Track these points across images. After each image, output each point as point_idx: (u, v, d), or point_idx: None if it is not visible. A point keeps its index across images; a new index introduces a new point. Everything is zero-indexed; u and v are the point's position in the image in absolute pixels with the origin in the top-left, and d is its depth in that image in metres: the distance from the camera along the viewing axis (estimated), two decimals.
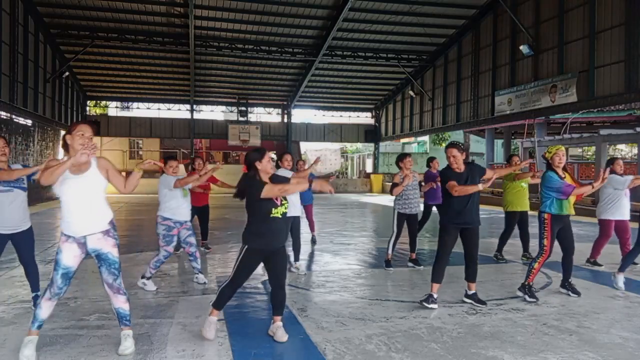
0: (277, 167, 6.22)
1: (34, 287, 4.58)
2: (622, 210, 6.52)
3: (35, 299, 4.54)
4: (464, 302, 4.87)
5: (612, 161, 6.66)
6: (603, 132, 17.03)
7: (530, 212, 7.16)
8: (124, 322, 3.62)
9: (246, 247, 3.83)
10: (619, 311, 4.74)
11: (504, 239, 7.33)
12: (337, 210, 16.93)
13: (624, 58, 13.15)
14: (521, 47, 16.48)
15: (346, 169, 41.04)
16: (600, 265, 6.79)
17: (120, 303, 3.59)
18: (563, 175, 5.12)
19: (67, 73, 21.68)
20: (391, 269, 6.60)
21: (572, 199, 5.15)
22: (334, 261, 7.31)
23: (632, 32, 12.87)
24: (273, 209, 3.79)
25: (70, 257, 3.44)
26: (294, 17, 19.13)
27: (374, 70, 24.78)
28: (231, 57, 22.30)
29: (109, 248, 3.51)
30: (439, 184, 7.89)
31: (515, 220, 7.23)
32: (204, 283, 5.67)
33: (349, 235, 10.22)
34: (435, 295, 4.76)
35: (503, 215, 7.53)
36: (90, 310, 4.59)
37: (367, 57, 22.29)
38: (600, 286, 5.69)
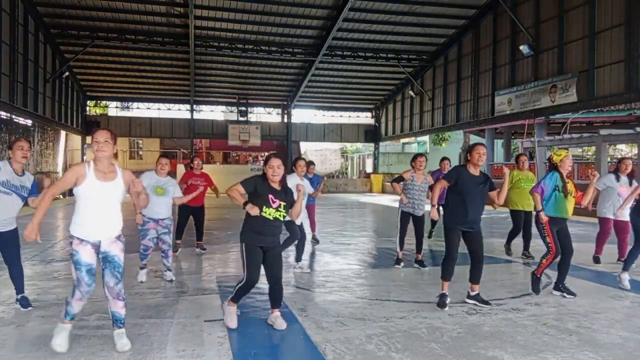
0: (291, 171, 6.21)
1: (19, 289, 4.60)
2: (614, 210, 6.56)
3: (22, 300, 4.57)
4: (465, 302, 4.87)
5: (619, 160, 6.80)
6: (603, 132, 17.02)
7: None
8: (118, 324, 3.66)
9: (243, 244, 4.06)
10: (619, 311, 4.74)
11: (510, 235, 7.50)
12: (337, 210, 16.93)
13: (624, 58, 13.15)
14: (521, 47, 16.48)
15: (346, 169, 41.05)
16: (599, 262, 6.83)
17: (118, 308, 3.63)
18: (567, 181, 5.17)
19: (67, 73, 21.68)
20: (400, 265, 6.68)
21: (572, 201, 5.17)
22: (334, 261, 7.31)
23: (632, 32, 12.88)
24: (265, 207, 4.00)
25: (87, 255, 3.51)
26: (294, 17, 19.13)
27: (374, 70, 24.78)
28: (231, 57, 22.31)
29: (117, 251, 3.60)
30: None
31: (518, 218, 7.31)
32: (171, 280, 5.76)
33: (349, 235, 10.22)
34: (447, 293, 4.79)
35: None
36: (90, 310, 4.58)
37: (367, 57, 22.29)
38: (600, 286, 5.69)
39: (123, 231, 3.70)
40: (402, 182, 6.70)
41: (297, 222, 6.17)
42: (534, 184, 7.20)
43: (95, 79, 25.43)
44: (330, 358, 3.49)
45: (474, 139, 32.37)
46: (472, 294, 4.89)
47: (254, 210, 3.96)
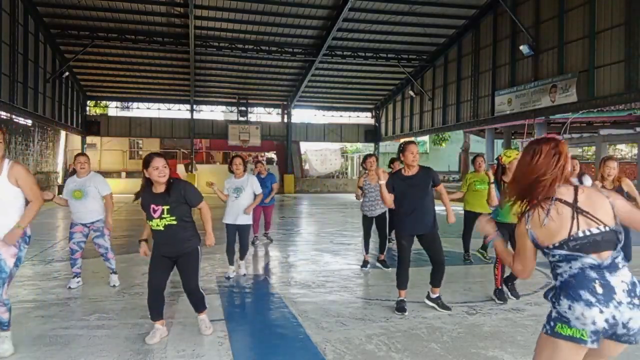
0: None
1: None
2: None
3: None
4: (468, 301, 4.85)
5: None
6: (603, 132, 17.05)
7: None
8: (2, 327, 3.52)
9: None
10: None
11: (464, 238, 7.26)
12: (337, 210, 16.93)
13: (624, 58, 13.14)
14: (521, 47, 16.47)
15: (346, 169, 41.04)
16: None
17: (1, 313, 3.46)
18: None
19: (67, 73, 21.67)
20: (366, 268, 6.63)
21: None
22: (334, 261, 7.31)
23: (632, 32, 12.87)
24: (149, 221, 3.75)
25: None
26: (294, 17, 19.12)
27: (374, 70, 24.77)
28: (231, 57, 22.29)
29: (6, 256, 3.35)
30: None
31: (469, 220, 7.10)
32: (114, 286, 5.57)
33: (349, 235, 10.21)
34: (404, 299, 4.66)
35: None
36: (90, 310, 4.59)
37: (367, 57, 22.28)
38: None
39: (23, 234, 3.46)
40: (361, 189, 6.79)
41: (237, 222, 5.99)
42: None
43: (95, 79, 25.42)
44: (330, 358, 3.49)
45: (474, 139, 32.42)
46: (433, 296, 4.74)
47: (141, 251, 3.88)
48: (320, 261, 7.32)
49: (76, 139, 27.55)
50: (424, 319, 4.40)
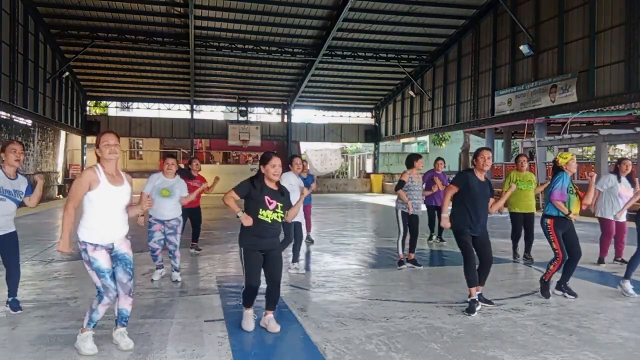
0: (288, 169, 6.21)
1: (12, 291, 4.54)
2: (615, 211, 6.53)
3: (13, 303, 4.50)
4: (465, 301, 4.86)
5: (619, 161, 6.80)
6: (603, 132, 17.02)
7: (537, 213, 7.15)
8: (122, 322, 3.68)
9: (242, 248, 4.03)
10: (619, 311, 4.73)
11: (512, 239, 7.40)
12: (337, 210, 16.93)
13: (624, 58, 13.15)
14: (521, 47, 16.48)
15: (346, 169, 41.02)
16: (603, 263, 6.84)
17: (127, 305, 3.67)
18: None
19: (67, 73, 21.67)
20: (404, 266, 6.63)
21: (578, 203, 5.15)
22: (334, 261, 7.31)
23: (632, 32, 12.87)
24: (261, 209, 3.95)
25: (105, 260, 3.55)
26: (294, 17, 19.13)
27: (374, 70, 24.78)
28: (231, 57, 22.30)
29: (127, 249, 3.67)
30: (439, 186, 7.96)
31: (517, 221, 7.23)
32: (176, 281, 5.76)
33: (349, 235, 10.21)
34: (476, 298, 4.66)
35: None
36: None
37: (367, 57, 22.28)
38: (601, 286, 5.69)
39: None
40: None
41: (298, 219, 6.22)
42: (534, 186, 7.20)
43: (95, 79, 25.42)
44: (330, 358, 3.49)
45: (474, 139, 32.40)
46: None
47: (247, 221, 3.92)
48: (320, 261, 7.32)
49: (76, 139, 27.55)
50: (424, 319, 4.40)
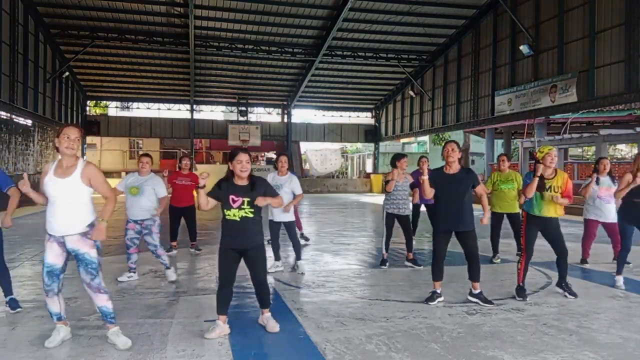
0: (275, 168, 6.26)
1: (8, 290, 4.54)
2: (599, 212, 6.54)
3: (11, 302, 4.51)
4: (468, 301, 4.87)
5: (597, 161, 6.85)
6: (603, 132, 17.03)
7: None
8: (109, 320, 3.68)
9: (219, 246, 4.01)
10: (619, 311, 4.73)
11: (492, 240, 7.33)
12: (337, 210, 16.93)
13: (624, 58, 13.15)
14: (521, 47, 16.48)
15: (346, 169, 41.02)
16: (587, 263, 6.82)
17: (103, 301, 3.65)
18: (552, 175, 5.07)
19: (67, 73, 21.67)
20: (384, 267, 6.67)
21: (553, 201, 5.00)
22: (334, 261, 7.31)
23: (632, 32, 12.87)
24: (226, 210, 3.90)
25: (53, 254, 3.57)
26: (294, 17, 19.13)
27: (374, 70, 24.78)
28: (231, 57, 22.30)
29: (87, 249, 3.59)
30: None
31: (496, 221, 7.16)
32: (174, 280, 5.73)
33: (349, 235, 10.21)
34: (438, 291, 4.89)
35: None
36: (90, 310, 4.58)
37: (367, 57, 22.29)
38: (600, 286, 5.69)
39: (90, 227, 3.62)
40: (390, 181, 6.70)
41: (283, 219, 6.19)
42: (515, 185, 7.16)
43: (95, 79, 25.42)
44: (330, 358, 3.49)
45: (474, 139, 32.41)
46: (474, 292, 4.90)
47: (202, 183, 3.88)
48: (320, 261, 7.32)
49: None
50: (424, 319, 4.40)
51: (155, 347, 3.67)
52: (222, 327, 3.91)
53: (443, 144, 5.02)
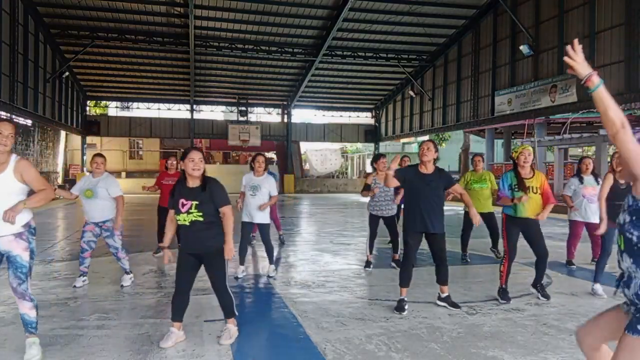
0: (251, 168, 6.12)
1: None
2: (583, 213, 6.46)
3: None
4: (468, 301, 4.86)
5: (579, 160, 6.73)
6: (603, 132, 17.03)
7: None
8: (29, 329, 3.47)
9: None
10: None
11: (462, 238, 7.32)
12: (337, 210, 16.93)
13: (624, 58, 13.15)
14: (521, 47, 16.47)
15: (346, 169, 41.05)
16: (573, 265, 6.77)
17: (26, 309, 3.44)
18: (530, 175, 4.97)
19: (67, 73, 21.67)
20: (369, 269, 6.62)
21: (536, 199, 4.89)
22: (334, 261, 7.31)
23: (632, 32, 12.87)
24: (176, 215, 3.75)
25: None
26: (294, 17, 19.13)
27: (374, 70, 24.77)
28: (231, 57, 22.30)
29: (19, 251, 3.37)
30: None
31: (469, 221, 7.00)
32: (122, 286, 5.51)
33: (349, 235, 10.21)
34: (404, 298, 4.66)
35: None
36: (90, 310, 4.59)
37: (367, 57, 22.28)
38: (600, 286, 5.67)
39: (29, 229, 3.45)
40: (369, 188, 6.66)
41: (258, 221, 5.97)
42: (488, 185, 7.12)
43: (95, 79, 25.42)
44: (330, 358, 3.49)
45: (474, 139, 32.42)
46: (442, 295, 4.79)
47: (165, 260, 3.82)
48: (320, 261, 7.32)
49: (76, 139, 27.55)
50: (424, 319, 4.40)
51: (155, 347, 3.67)
52: (177, 334, 3.76)
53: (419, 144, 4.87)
